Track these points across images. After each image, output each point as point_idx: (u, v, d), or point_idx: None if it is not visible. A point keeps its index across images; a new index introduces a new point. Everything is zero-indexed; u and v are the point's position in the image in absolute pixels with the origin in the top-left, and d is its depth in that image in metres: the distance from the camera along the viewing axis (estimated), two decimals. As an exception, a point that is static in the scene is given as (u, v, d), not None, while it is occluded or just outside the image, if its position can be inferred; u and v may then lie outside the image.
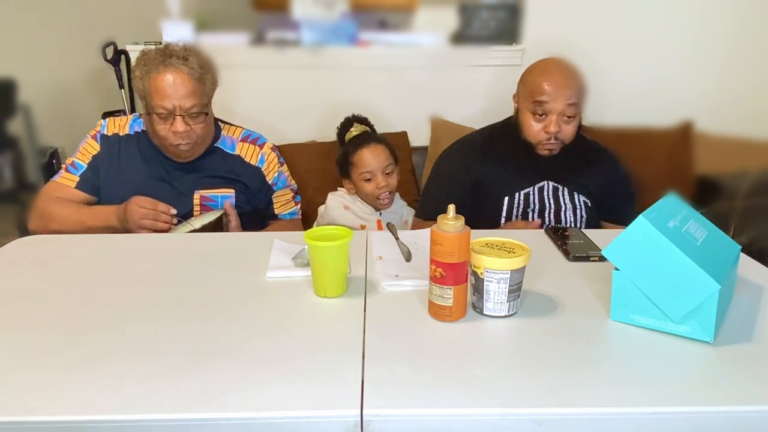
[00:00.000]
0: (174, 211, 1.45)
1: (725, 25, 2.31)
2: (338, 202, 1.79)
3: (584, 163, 1.62)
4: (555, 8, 2.29)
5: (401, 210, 1.83)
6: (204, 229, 1.44)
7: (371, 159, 1.73)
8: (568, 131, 1.54)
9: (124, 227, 1.45)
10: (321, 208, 1.81)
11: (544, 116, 1.53)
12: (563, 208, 1.58)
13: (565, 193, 1.59)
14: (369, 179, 1.73)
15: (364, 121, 1.86)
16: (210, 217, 1.47)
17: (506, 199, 1.57)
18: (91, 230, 1.48)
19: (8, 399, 0.73)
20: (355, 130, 1.82)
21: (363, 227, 1.74)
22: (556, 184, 1.59)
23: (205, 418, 0.71)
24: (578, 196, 1.59)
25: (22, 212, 1.54)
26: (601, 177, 1.62)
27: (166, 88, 1.46)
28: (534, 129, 1.55)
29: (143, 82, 1.50)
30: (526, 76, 1.59)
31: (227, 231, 1.47)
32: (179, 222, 1.47)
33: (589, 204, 1.60)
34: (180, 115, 1.47)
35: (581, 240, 1.27)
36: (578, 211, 1.58)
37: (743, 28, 2.31)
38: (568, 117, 1.52)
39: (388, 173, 1.73)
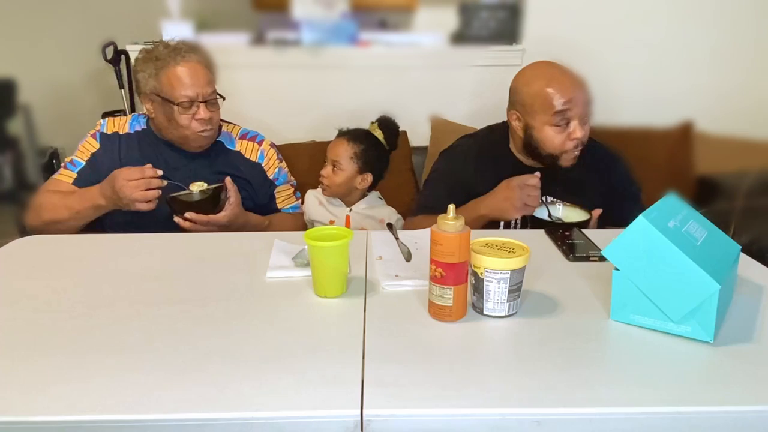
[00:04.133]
0: (160, 172, 1.44)
1: (725, 25, 2.31)
2: (313, 197, 1.82)
3: (584, 172, 1.56)
4: (555, 8, 2.29)
5: (374, 211, 1.80)
6: (202, 200, 1.44)
7: (329, 147, 1.79)
8: (588, 132, 1.49)
9: (115, 205, 1.44)
10: (303, 206, 1.83)
11: (566, 125, 1.46)
12: None
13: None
14: (326, 164, 1.78)
15: (383, 122, 1.83)
16: (207, 191, 1.47)
17: None
18: (80, 214, 1.48)
19: (8, 399, 0.73)
20: (370, 127, 1.82)
21: (332, 222, 1.76)
22: (553, 199, 1.53)
23: (205, 418, 0.71)
24: None
25: (22, 212, 1.54)
26: (602, 185, 1.57)
27: (185, 78, 1.51)
28: (558, 140, 1.47)
29: (157, 79, 1.52)
30: (529, 89, 1.49)
31: (224, 206, 1.48)
32: (174, 187, 1.46)
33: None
34: (203, 102, 1.52)
35: (581, 240, 1.27)
36: None
37: (743, 28, 2.32)
38: (587, 118, 1.48)
39: (334, 167, 1.75)
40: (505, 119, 1.64)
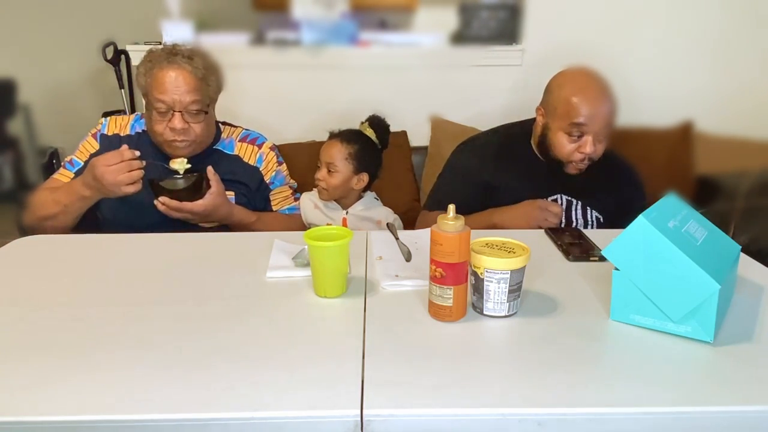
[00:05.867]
0: (138, 153, 1.42)
1: (725, 25, 2.31)
2: (309, 201, 1.79)
3: (602, 178, 1.56)
4: (555, 8, 2.28)
5: (371, 212, 1.78)
6: (183, 187, 1.44)
7: (322, 150, 1.76)
8: (601, 150, 1.49)
9: (101, 194, 1.43)
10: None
11: (579, 137, 1.46)
12: (573, 223, 1.55)
13: (578, 207, 1.56)
14: (318, 167, 1.75)
15: (374, 121, 1.83)
16: (190, 178, 1.47)
17: None
18: (68, 208, 1.47)
19: (8, 399, 0.73)
20: (361, 127, 1.81)
21: (329, 225, 1.74)
22: (570, 198, 1.55)
23: (205, 418, 0.71)
24: (591, 212, 1.56)
25: (21, 212, 1.54)
26: (618, 193, 1.58)
27: (167, 83, 1.46)
28: (567, 149, 1.48)
29: (146, 78, 1.50)
30: (558, 92, 1.49)
31: (204, 195, 1.46)
32: (155, 166, 1.46)
33: (602, 220, 1.57)
34: (179, 112, 1.48)
35: (581, 240, 1.27)
36: (589, 227, 1.55)
37: (743, 28, 2.31)
38: (604, 137, 1.47)
39: (330, 171, 1.72)
40: (520, 119, 1.65)
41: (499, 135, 1.69)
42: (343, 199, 1.77)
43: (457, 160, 1.69)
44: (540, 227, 1.42)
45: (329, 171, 1.72)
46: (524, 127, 1.65)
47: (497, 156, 1.61)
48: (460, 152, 1.69)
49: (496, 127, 1.74)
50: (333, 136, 1.78)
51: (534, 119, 1.60)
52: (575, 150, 1.48)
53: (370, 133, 1.77)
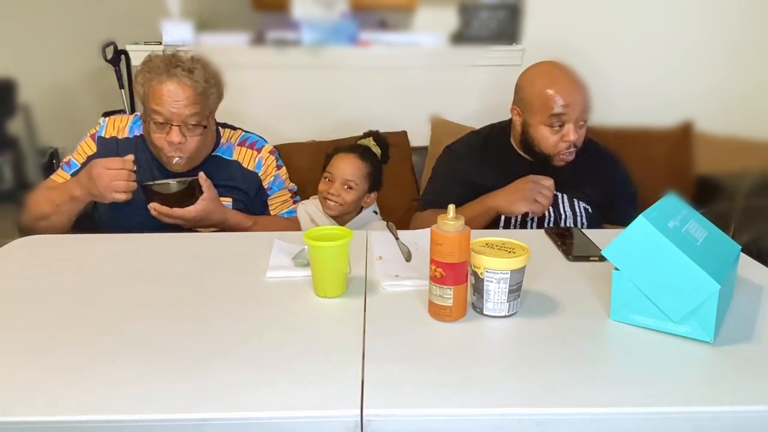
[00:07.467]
0: (135, 167, 1.42)
1: (725, 25, 2.31)
2: (305, 213, 1.75)
3: (584, 169, 1.58)
4: (555, 8, 2.29)
5: (367, 226, 1.76)
6: (175, 192, 1.43)
7: (337, 164, 1.72)
8: (583, 135, 1.52)
9: (89, 195, 1.42)
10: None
11: (561, 127, 1.49)
12: (563, 217, 1.56)
13: (565, 200, 1.57)
14: (328, 180, 1.72)
15: (377, 137, 1.80)
16: (183, 182, 1.45)
17: None
18: (60, 208, 1.46)
19: (8, 399, 0.73)
20: (364, 141, 1.79)
21: None
22: (555, 193, 1.55)
23: (205, 418, 0.71)
24: (578, 203, 1.57)
25: (20, 212, 1.53)
26: (602, 182, 1.60)
27: (165, 96, 1.43)
28: (551, 141, 1.50)
29: (144, 88, 1.47)
30: (531, 89, 1.52)
31: (197, 200, 1.44)
32: (147, 168, 1.46)
33: (590, 210, 1.58)
34: (177, 125, 1.45)
35: (581, 240, 1.27)
36: (578, 219, 1.56)
37: (743, 28, 2.32)
38: (583, 122, 1.51)
39: (346, 187, 1.70)
40: (507, 117, 1.66)
41: (480, 136, 1.71)
42: (348, 214, 1.75)
43: (443, 164, 1.70)
44: (537, 202, 1.43)
45: (348, 187, 1.69)
46: (503, 126, 1.68)
47: (481, 157, 1.63)
48: (445, 156, 1.71)
49: (478, 129, 1.77)
50: (349, 151, 1.73)
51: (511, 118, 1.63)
52: (559, 140, 1.50)
53: (376, 149, 1.76)
